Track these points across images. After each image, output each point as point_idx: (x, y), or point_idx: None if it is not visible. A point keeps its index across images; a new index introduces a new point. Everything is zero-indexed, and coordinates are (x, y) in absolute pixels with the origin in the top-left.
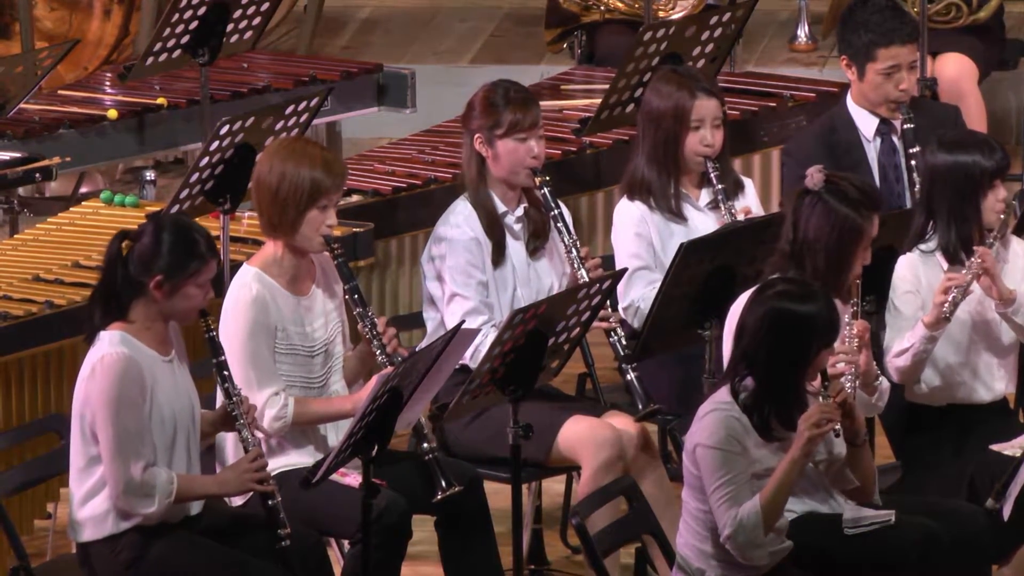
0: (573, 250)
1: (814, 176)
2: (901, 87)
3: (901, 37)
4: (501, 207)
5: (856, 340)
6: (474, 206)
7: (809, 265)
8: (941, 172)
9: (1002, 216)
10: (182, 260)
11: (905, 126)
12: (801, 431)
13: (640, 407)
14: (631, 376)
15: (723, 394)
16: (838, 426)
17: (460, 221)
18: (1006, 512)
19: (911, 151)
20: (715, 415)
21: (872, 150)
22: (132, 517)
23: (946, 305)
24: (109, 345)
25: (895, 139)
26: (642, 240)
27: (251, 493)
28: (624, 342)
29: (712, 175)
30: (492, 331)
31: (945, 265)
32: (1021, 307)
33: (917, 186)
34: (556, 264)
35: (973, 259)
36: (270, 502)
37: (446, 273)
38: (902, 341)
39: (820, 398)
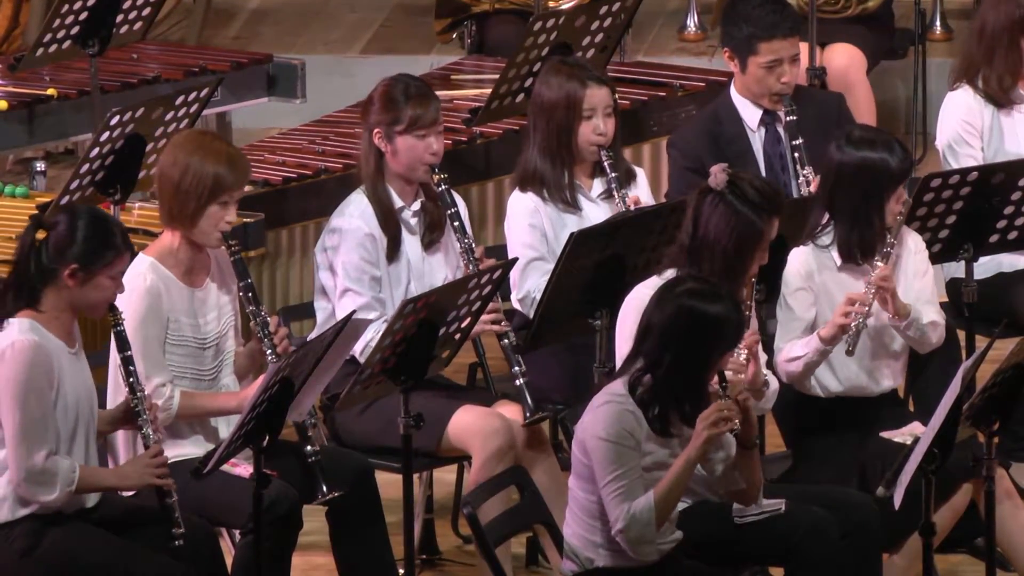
0: (468, 253)
1: (717, 176)
2: (783, 80)
3: (782, 31)
4: (398, 202)
5: (744, 352)
6: (370, 200)
7: (706, 264)
8: (848, 169)
9: (899, 218)
10: (98, 249)
11: (788, 118)
12: (699, 431)
13: (528, 415)
14: (520, 382)
15: (618, 386)
16: (737, 425)
17: (356, 215)
18: (897, 500)
19: (795, 143)
20: (610, 407)
21: (757, 140)
22: (30, 504)
23: (848, 337)
24: (19, 332)
25: (779, 129)
26: (536, 231)
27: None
28: (514, 348)
29: (605, 164)
30: (384, 327)
31: (839, 261)
32: (914, 321)
33: (802, 177)
34: (451, 258)
35: (873, 277)
36: (167, 500)
37: (339, 267)
38: (794, 347)
39: (720, 398)
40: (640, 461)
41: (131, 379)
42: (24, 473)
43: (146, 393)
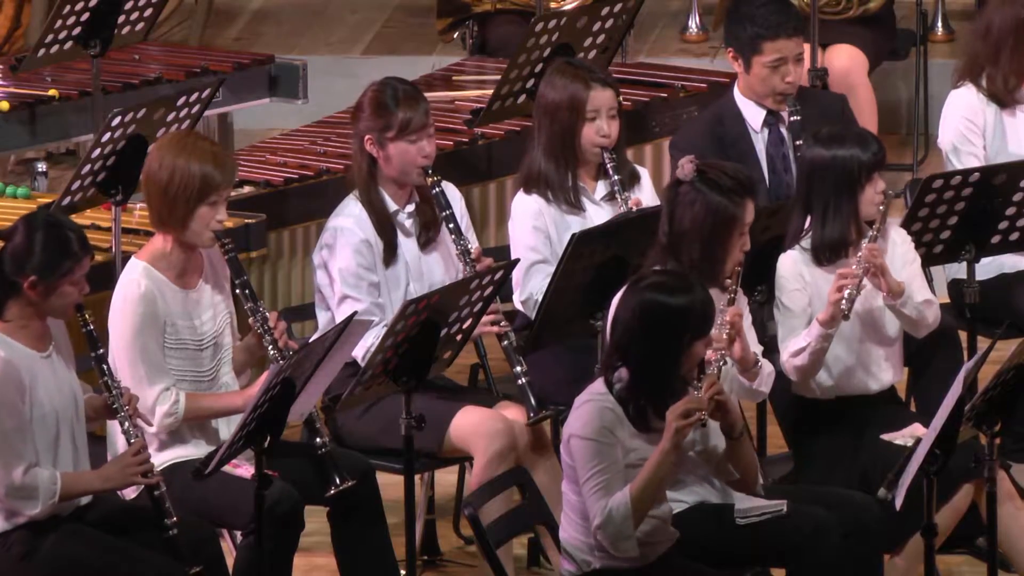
0: (464, 256)
1: (685, 167)
2: (787, 80)
3: (786, 30)
4: (392, 206)
5: (727, 328)
6: (364, 206)
7: (685, 256)
8: (819, 168)
9: (881, 208)
10: (56, 260)
11: (792, 118)
12: (669, 422)
13: (531, 414)
14: (523, 381)
15: (598, 384)
16: (706, 417)
17: (351, 222)
18: (898, 501)
19: (798, 143)
20: (589, 405)
21: (760, 141)
22: (19, 516)
23: (843, 303)
24: None
25: (783, 130)
26: (540, 233)
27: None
28: (515, 349)
29: (609, 166)
30: (384, 331)
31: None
32: (909, 299)
33: None
34: (449, 254)
35: (862, 254)
36: (155, 492)
37: (336, 273)
38: (797, 340)
39: (691, 390)
40: (621, 458)
41: (104, 377)
42: (4, 490)
43: (151, 400)
